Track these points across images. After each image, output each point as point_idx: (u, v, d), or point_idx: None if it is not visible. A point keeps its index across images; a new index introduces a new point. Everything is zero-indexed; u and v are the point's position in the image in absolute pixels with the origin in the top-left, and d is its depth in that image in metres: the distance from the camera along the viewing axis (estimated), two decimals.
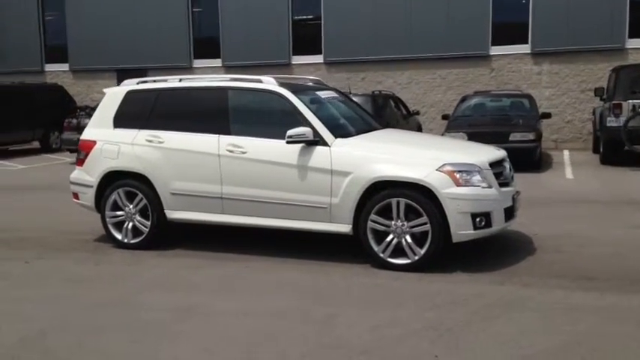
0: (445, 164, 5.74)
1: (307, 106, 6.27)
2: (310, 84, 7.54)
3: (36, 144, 18.18)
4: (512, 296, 5.12)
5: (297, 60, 18.38)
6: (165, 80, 7.04)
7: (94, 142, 6.98)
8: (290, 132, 6.01)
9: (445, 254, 5.97)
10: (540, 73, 16.80)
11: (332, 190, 5.99)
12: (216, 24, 18.96)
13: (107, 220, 6.91)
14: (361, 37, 17.60)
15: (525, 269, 5.83)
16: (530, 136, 12.02)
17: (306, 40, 18.42)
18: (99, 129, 7.06)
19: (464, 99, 14.38)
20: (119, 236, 6.88)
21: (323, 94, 6.90)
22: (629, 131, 11.95)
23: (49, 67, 20.93)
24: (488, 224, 5.81)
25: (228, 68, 18.65)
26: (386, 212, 5.85)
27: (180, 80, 6.97)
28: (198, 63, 19.22)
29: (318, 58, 18.21)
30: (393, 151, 6.01)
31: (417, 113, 15.96)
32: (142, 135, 6.77)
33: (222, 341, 4.30)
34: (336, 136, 6.13)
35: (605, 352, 4.02)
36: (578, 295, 5.12)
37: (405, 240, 5.80)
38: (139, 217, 6.79)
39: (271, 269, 6.01)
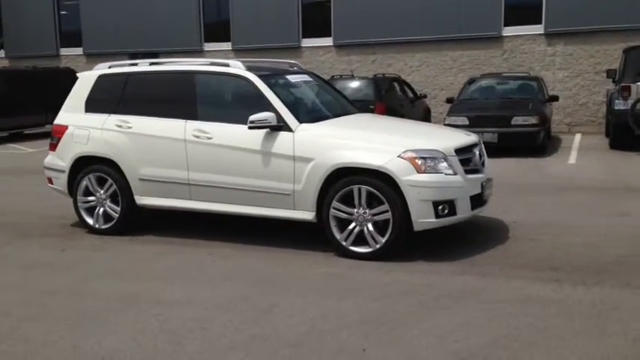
0: (407, 150, 5.57)
1: (273, 91, 6.13)
2: (295, 68, 7.40)
3: (49, 127, 18.35)
4: (466, 287, 4.97)
5: (307, 43, 18.21)
6: (136, 64, 6.98)
7: (66, 127, 6.98)
8: (252, 117, 5.90)
9: (412, 243, 5.85)
10: (554, 55, 16.34)
11: (295, 177, 5.88)
12: (227, 7, 18.87)
13: (79, 205, 6.91)
14: (371, 19, 17.32)
15: (490, 259, 5.66)
16: (533, 120, 11.69)
17: (316, 22, 18.21)
18: (71, 114, 7.05)
19: (470, 82, 14.07)
20: (91, 221, 6.87)
21: (294, 77, 6.76)
22: (637, 114, 11.55)
23: (64, 52, 21.13)
24: (452, 212, 5.64)
25: (237, 51, 18.58)
26: (348, 199, 5.72)
27: (151, 64, 6.91)
28: (208, 46, 19.18)
29: (328, 41, 18.01)
30: (356, 136, 5.85)
31: (425, 96, 15.68)
32: (112, 120, 6.73)
33: (154, 331, 4.24)
34: (301, 122, 5.99)
35: (539, 347, 3.85)
36: (536, 286, 4.93)
37: (367, 228, 5.67)
38: (109, 203, 6.78)
39: (234, 257, 5.93)
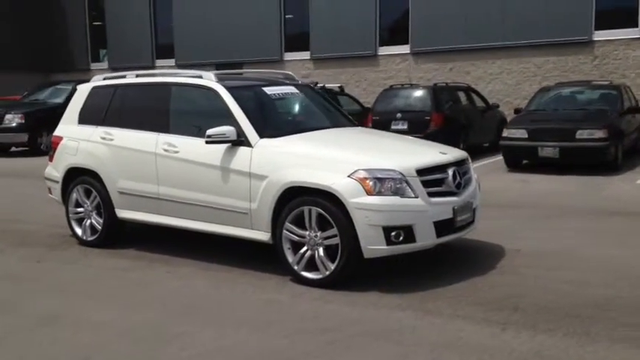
0: (358, 170, 5.07)
1: (239, 103, 5.83)
2: (301, 80, 7.09)
3: None
4: (398, 325, 4.41)
5: (384, 51, 17.77)
6: (124, 76, 6.96)
7: (61, 138, 7.08)
8: (209, 131, 5.64)
9: (381, 269, 5.38)
10: None
11: (251, 195, 5.55)
12: (307, 18, 18.80)
13: (70, 215, 6.98)
14: (449, 25, 16.57)
15: (452, 293, 5.02)
16: (600, 133, 10.51)
17: (393, 30, 17.72)
18: (67, 125, 7.14)
19: (542, 91, 12.96)
20: (80, 232, 6.92)
21: (273, 89, 6.36)
22: None
23: (159, 63, 22.05)
24: (410, 239, 5.06)
25: (316, 60, 18.48)
26: (301, 221, 5.30)
27: (137, 76, 6.86)
28: (288, 56, 19.24)
29: (405, 49, 17.44)
30: (314, 154, 5.41)
31: (497, 106, 14.71)
32: (98, 132, 6.73)
33: (34, 357, 4.09)
34: (262, 136, 5.65)
35: None
36: (476, 329, 4.29)
37: (318, 253, 5.24)
38: (94, 215, 6.77)
39: (187, 277, 5.68)
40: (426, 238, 5.14)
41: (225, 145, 5.72)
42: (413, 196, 5.09)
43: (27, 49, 23.30)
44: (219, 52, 20.15)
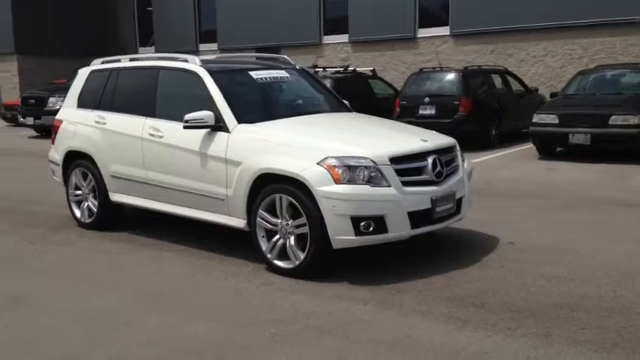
0: (328, 157, 4.89)
1: (219, 88, 5.72)
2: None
3: None
4: (355, 319, 4.26)
5: (423, 33, 17.28)
6: (119, 60, 6.96)
7: (61, 122, 7.17)
8: (187, 116, 5.56)
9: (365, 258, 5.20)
10: None
11: (227, 181, 5.46)
12: (346, 1, 18.47)
13: (69, 198, 7.07)
14: (491, 5, 15.95)
15: (425, 286, 4.80)
16: (635, 119, 9.91)
17: (433, 11, 17.21)
18: (67, 109, 7.21)
19: (581, 74, 12.31)
20: (78, 214, 7.00)
21: (259, 74, 6.19)
22: None
23: (203, 47, 22.18)
24: (381, 230, 4.86)
25: (354, 44, 18.19)
26: (274, 209, 5.18)
27: (131, 60, 6.84)
28: (327, 39, 18.99)
29: (445, 30, 16.92)
30: (288, 140, 5.25)
31: (536, 90, 14.10)
32: (93, 116, 6.78)
33: None
34: (240, 122, 5.53)
35: None
36: (431, 325, 4.09)
37: (289, 242, 5.10)
38: (91, 198, 6.84)
39: (170, 262, 5.66)
40: (399, 229, 4.93)
41: (204, 131, 5.64)
42: (385, 185, 4.88)
43: (79, 35, 23.85)
44: (260, 36, 20.08)
